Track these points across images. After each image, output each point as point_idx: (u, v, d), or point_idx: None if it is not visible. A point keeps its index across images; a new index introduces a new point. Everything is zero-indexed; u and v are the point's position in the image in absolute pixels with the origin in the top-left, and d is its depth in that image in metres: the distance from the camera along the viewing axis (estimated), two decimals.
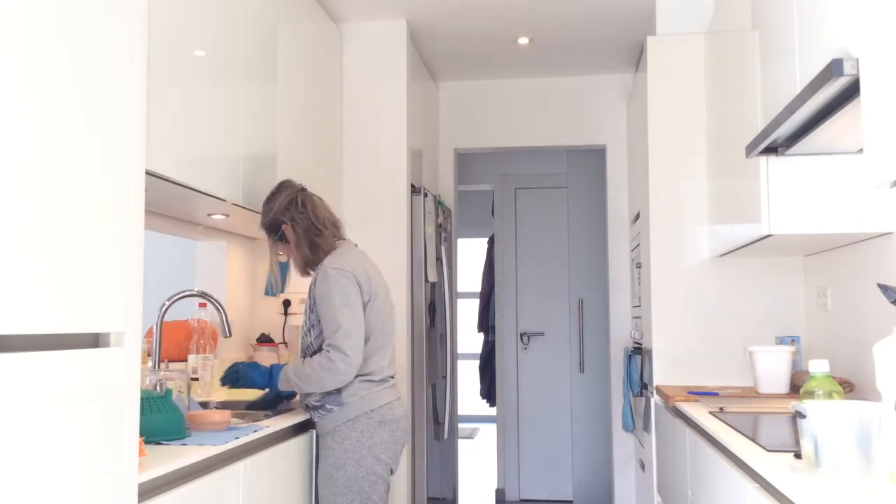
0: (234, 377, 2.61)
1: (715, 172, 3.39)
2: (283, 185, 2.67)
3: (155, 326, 2.65)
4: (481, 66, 4.68)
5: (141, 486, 1.55)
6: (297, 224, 2.57)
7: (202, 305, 3.12)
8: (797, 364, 3.09)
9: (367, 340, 2.52)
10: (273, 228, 2.62)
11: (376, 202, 3.85)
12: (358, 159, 3.91)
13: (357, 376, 2.50)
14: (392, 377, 2.62)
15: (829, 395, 1.66)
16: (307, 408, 2.56)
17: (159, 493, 1.64)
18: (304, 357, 2.57)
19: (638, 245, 4.13)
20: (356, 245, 2.71)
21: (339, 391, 2.49)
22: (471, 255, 7.82)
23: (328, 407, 2.49)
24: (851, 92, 1.78)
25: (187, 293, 2.69)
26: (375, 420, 2.49)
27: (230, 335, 2.75)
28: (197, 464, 1.82)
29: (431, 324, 4.13)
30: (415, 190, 3.99)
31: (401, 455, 2.62)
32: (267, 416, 2.47)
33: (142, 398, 1.93)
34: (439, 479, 5.01)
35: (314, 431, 2.60)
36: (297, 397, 2.69)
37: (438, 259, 4.32)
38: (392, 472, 2.57)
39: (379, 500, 2.50)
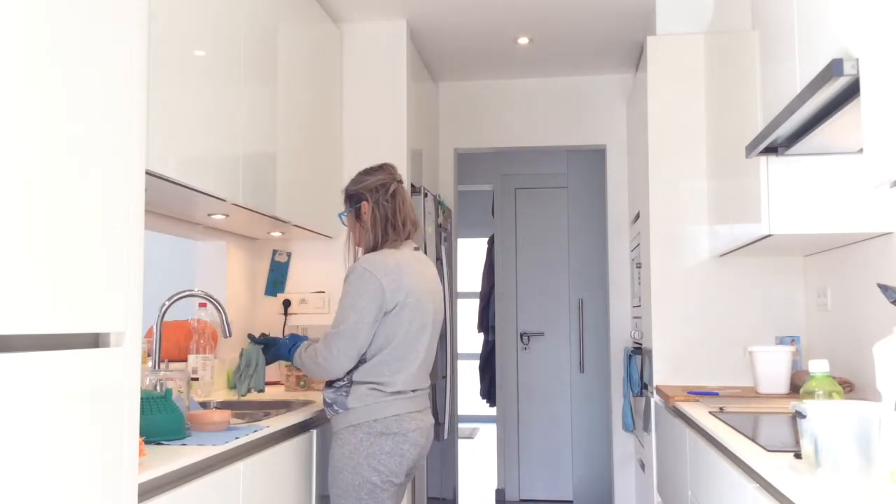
0: (263, 346, 2.65)
1: (715, 172, 3.39)
2: (385, 167, 2.64)
3: (155, 326, 2.65)
4: (481, 66, 4.68)
5: (141, 486, 1.55)
6: (378, 208, 2.54)
7: (202, 305, 3.12)
8: (797, 364, 3.09)
9: (382, 349, 2.45)
10: (354, 199, 2.60)
11: None
12: (358, 159, 3.90)
13: (368, 383, 2.44)
14: (414, 391, 2.50)
15: (829, 395, 1.66)
16: (324, 402, 2.53)
17: (159, 493, 1.64)
18: None
19: (638, 245, 4.13)
20: (416, 249, 2.63)
21: (346, 395, 2.45)
22: (471, 255, 7.82)
23: (335, 408, 2.47)
24: (851, 92, 1.78)
25: (187, 293, 2.69)
26: (377, 430, 2.42)
27: (230, 335, 2.75)
28: (197, 464, 1.82)
29: None
30: (415, 190, 3.99)
31: (410, 468, 2.50)
32: (267, 416, 2.47)
33: (142, 398, 1.93)
34: (439, 479, 5.01)
35: (315, 431, 2.61)
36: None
37: (438, 259, 4.32)
38: (395, 484, 2.45)
39: None
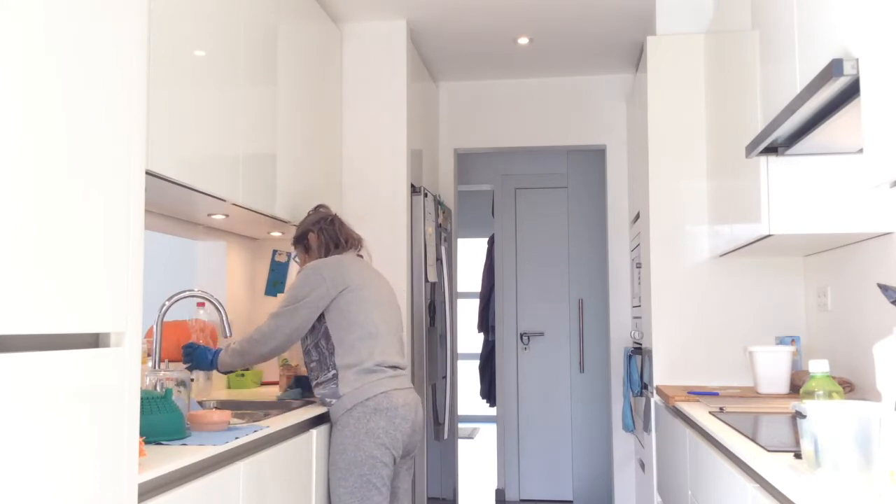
0: (188, 356, 2.82)
1: (715, 172, 3.39)
2: (320, 208, 3.04)
3: (155, 326, 2.65)
4: (481, 66, 4.68)
5: (141, 486, 1.55)
6: (322, 232, 2.90)
7: (201, 305, 3.12)
8: (797, 364, 3.09)
9: (351, 328, 2.69)
10: (301, 238, 2.94)
11: (376, 202, 3.85)
12: (358, 159, 3.91)
13: (352, 367, 2.66)
14: (393, 367, 2.73)
15: (829, 395, 1.66)
16: (320, 401, 2.74)
17: (159, 493, 1.64)
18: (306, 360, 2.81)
19: (638, 245, 4.13)
20: (360, 257, 2.93)
21: (336, 385, 2.65)
22: (471, 255, 7.82)
23: (328, 400, 2.68)
24: (851, 92, 1.78)
25: (187, 293, 2.69)
26: (370, 408, 2.63)
27: (230, 335, 2.75)
28: (197, 464, 1.82)
29: (431, 324, 4.13)
30: (415, 190, 3.99)
31: (408, 444, 2.71)
32: (267, 416, 2.47)
33: (142, 398, 1.93)
34: (439, 479, 5.01)
35: (314, 431, 2.61)
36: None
37: (438, 259, 4.32)
38: (396, 460, 2.66)
39: (380, 484, 2.60)
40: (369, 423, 2.61)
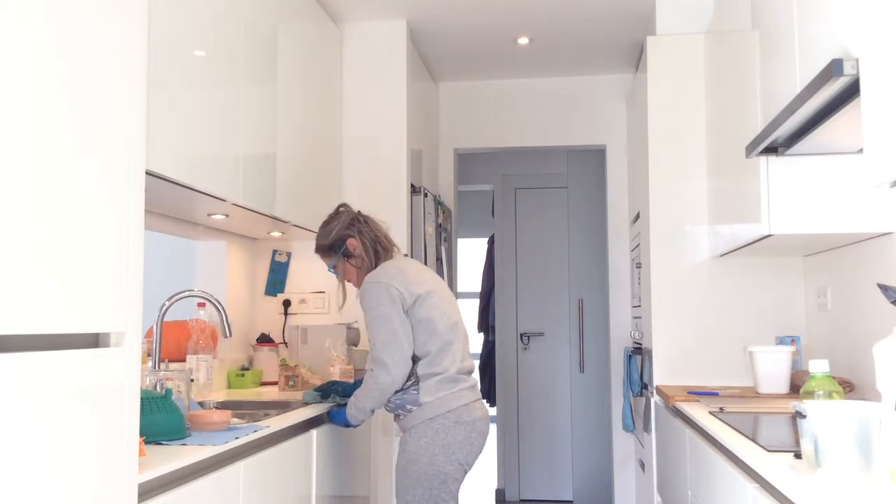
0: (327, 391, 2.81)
1: (715, 172, 3.39)
2: (342, 208, 2.82)
3: (155, 326, 2.65)
4: (481, 66, 4.68)
5: (141, 486, 1.55)
6: (362, 237, 2.71)
7: (201, 305, 3.12)
8: (797, 364, 3.09)
9: (427, 342, 2.58)
10: (335, 247, 2.74)
11: (376, 202, 3.85)
12: (358, 159, 3.91)
13: (435, 375, 2.57)
14: (470, 373, 2.66)
15: (829, 395, 1.66)
16: (390, 408, 2.65)
17: (159, 493, 1.64)
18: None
19: (638, 245, 4.13)
20: (406, 255, 2.80)
21: (416, 392, 2.57)
22: (471, 255, 7.82)
23: (408, 408, 2.59)
24: (851, 92, 1.78)
25: (187, 293, 2.69)
26: (451, 420, 2.56)
27: (230, 335, 2.75)
28: (197, 464, 1.82)
29: None
30: (415, 190, 3.99)
31: (477, 457, 2.64)
32: (267, 416, 2.47)
33: (142, 398, 1.93)
34: None
35: (314, 431, 2.61)
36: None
37: (438, 259, 4.32)
38: (466, 472, 2.62)
39: (448, 498, 2.56)
40: (447, 436, 2.54)
